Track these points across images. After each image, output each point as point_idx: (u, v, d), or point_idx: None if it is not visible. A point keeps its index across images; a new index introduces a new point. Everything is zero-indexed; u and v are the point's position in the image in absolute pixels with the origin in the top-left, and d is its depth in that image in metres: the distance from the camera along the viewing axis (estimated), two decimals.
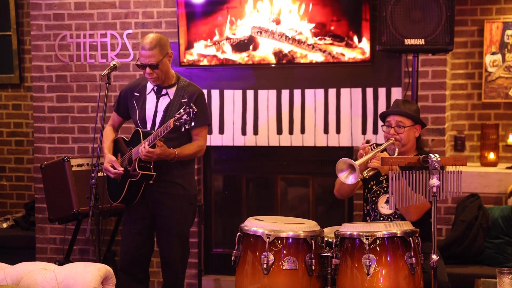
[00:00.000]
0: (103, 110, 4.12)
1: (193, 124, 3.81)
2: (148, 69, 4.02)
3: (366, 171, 3.56)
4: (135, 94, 4.21)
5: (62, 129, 5.46)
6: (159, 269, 4.97)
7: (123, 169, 4.08)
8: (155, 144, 3.93)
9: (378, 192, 3.80)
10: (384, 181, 3.76)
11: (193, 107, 3.79)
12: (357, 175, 3.35)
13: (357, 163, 3.37)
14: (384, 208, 3.76)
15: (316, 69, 5.08)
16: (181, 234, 4.20)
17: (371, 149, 3.60)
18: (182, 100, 4.09)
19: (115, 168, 4.08)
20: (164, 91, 4.14)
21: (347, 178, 3.37)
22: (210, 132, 5.24)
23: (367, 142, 3.65)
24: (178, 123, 3.82)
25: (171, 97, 4.13)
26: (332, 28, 4.90)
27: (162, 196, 4.12)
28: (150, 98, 4.17)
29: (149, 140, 3.95)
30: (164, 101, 4.13)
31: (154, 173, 4.03)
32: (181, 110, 3.85)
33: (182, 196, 4.17)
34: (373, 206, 3.80)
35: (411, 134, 3.78)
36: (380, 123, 4.97)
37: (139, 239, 4.20)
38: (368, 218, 3.82)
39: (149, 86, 4.19)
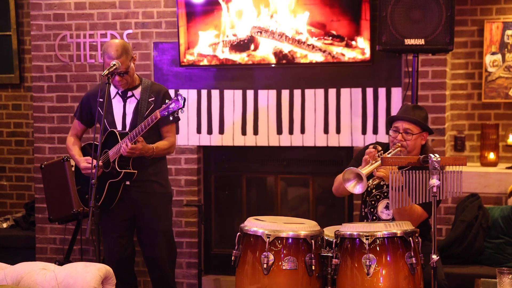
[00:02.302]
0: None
1: (183, 112, 3.83)
2: (117, 77, 4.06)
3: (371, 180, 3.49)
4: (100, 100, 4.18)
5: (62, 129, 5.46)
6: None
7: (100, 162, 4.09)
8: (136, 140, 3.96)
9: (378, 196, 3.78)
10: (385, 186, 3.72)
11: (181, 94, 3.84)
12: (365, 185, 3.30)
13: (364, 172, 3.32)
14: (383, 214, 3.74)
15: (316, 69, 5.08)
16: (165, 231, 4.25)
17: (378, 156, 3.51)
18: (150, 99, 4.16)
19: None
20: (130, 93, 4.19)
21: (354, 187, 3.33)
22: (210, 132, 5.24)
23: (374, 147, 3.53)
24: (166, 113, 3.84)
25: (138, 98, 4.17)
26: (332, 28, 4.90)
27: (141, 195, 4.16)
28: (116, 102, 4.20)
29: (130, 137, 3.98)
30: (131, 103, 4.18)
31: (136, 171, 4.06)
32: (167, 100, 3.90)
33: (160, 194, 4.22)
34: (372, 209, 3.78)
35: (418, 142, 3.71)
36: (380, 123, 4.98)
37: (121, 242, 4.22)
38: (365, 220, 3.81)
39: (113, 90, 4.21)
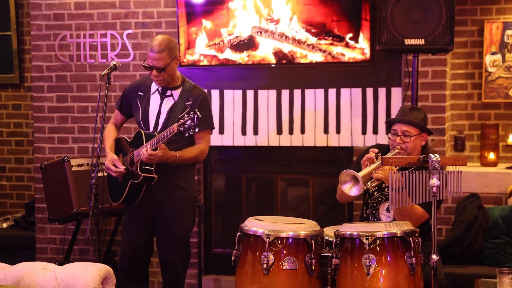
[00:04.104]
0: (103, 110, 4.12)
1: (197, 130, 3.80)
2: (154, 72, 4.01)
3: (369, 182, 3.49)
4: (139, 93, 4.20)
5: (62, 129, 5.46)
6: (159, 269, 4.97)
7: (124, 167, 4.08)
8: (158, 146, 3.93)
9: (379, 198, 3.78)
10: (386, 188, 3.70)
11: (198, 112, 3.78)
12: (361, 187, 3.30)
13: (360, 174, 3.32)
14: (384, 216, 3.74)
15: (316, 69, 5.08)
16: (182, 236, 4.19)
17: (376, 159, 3.51)
18: (187, 103, 4.08)
19: (116, 167, 4.08)
20: (169, 92, 4.13)
21: (350, 189, 3.33)
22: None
23: (376, 155, 3.52)
24: (182, 128, 3.81)
25: (176, 99, 4.11)
26: (332, 28, 4.90)
27: (163, 197, 4.11)
28: (154, 99, 4.16)
29: (152, 143, 3.94)
30: (168, 102, 4.12)
31: (156, 176, 4.03)
32: (185, 115, 3.84)
33: (183, 198, 4.16)
34: (374, 211, 3.78)
35: (418, 143, 3.71)
36: (380, 123, 4.99)
37: (139, 241, 4.20)
38: (366, 222, 3.80)
39: (154, 86, 4.18)
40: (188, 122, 3.78)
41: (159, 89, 4.15)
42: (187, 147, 4.09)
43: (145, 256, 4.27)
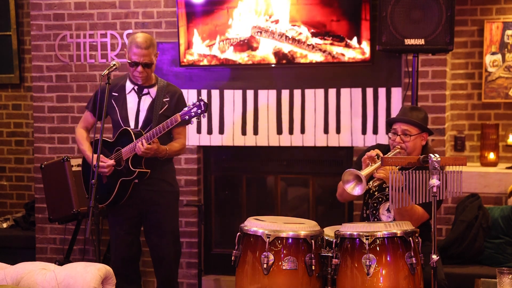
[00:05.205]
0: (103, 110, 4.13)
1: (204, 116, 3.86)
2: (140, 68, 4.08)
3: (371, 181, 3.49)
4: (114, 94, 4.23)
5: (62, 129, 5.46)
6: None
7: (113, 160, 4.10)
8: (152, 141, 3.96)
9: (380, 199, 3.78)
10: (387, 188, 3.69)
11: (204, 99, 3.86)
12: (364, 186, 3.30)
13: (363, 173, 3.32)
14: (384, 216, 3.74)
15: (316, 69, 5.08)
16: (173, 230, 4.26)
17: (377, 158, 3.51)
18: (164, 99, 4.18)
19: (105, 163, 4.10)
20: (145, 91, 4.20)
21: (353, 189, 3.33)
22: (210, 132, 5.24)
23: (377, 155, 3.52)
24: (186, 117, 3.87)
25: (153, 96, 4.18)
26: (332, 28, 4.90)
27: (151, 194, 4.16)
28: (131, 98, 4.20)
29: (147, 137, 3.98)
30: (146, 100, 4.19)
31: (149, 170, 4.07)
32: (190, 104, 3.93)
33: (169, 193, 4.24)
34: (374, 211, 3.78)
35: (418, 143, 3.71)
36: (380, 123, 4.99)
37: (128, 239, 4.23)
38: (366, 222, 3.80)
39: (128, 85, 4.23)
40: (194, 110, 3.87)
41: (135, 88, 4.21)
42: (167, 143, 4.15)
43: (136, 254, 4.32)
